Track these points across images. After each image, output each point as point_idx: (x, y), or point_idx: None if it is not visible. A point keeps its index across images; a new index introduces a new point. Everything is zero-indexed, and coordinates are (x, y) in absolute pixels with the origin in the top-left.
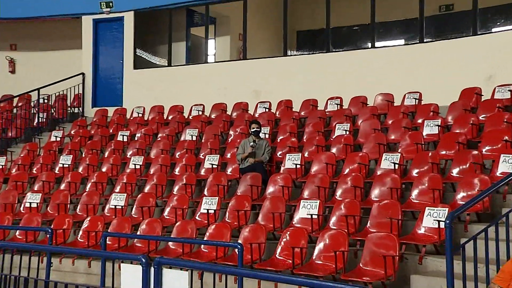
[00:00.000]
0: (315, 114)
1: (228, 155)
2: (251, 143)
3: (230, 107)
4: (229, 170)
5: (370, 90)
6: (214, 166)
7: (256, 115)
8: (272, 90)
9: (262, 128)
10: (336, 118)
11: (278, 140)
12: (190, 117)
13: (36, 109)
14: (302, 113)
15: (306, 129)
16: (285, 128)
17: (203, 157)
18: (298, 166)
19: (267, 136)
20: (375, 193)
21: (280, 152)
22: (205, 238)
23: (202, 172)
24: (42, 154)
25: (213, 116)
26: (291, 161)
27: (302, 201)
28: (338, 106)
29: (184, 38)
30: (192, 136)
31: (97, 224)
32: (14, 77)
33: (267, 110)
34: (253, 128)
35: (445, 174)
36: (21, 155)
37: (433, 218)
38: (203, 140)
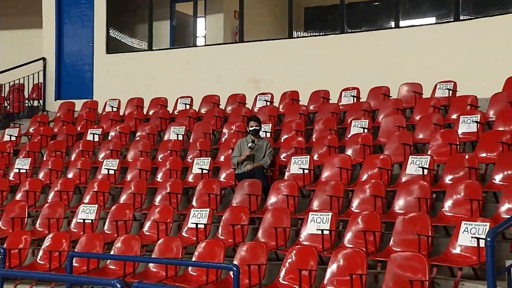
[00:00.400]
0: (327, 109)
1: (222, 158)
2: (249, 144)
3: (224, 100)
4: (222, 176)
5: (393, 79)
6: (204, 171)
7: (255, 110)
8: (274, 79)
9: (262, 125)
10: (352, 113)
11: (282, 140)
12: (176, 112)
13: None
14: (311, 107)
15: (315, 126)
16: (290, 125)
17: (191, 161)
18: (306, 171)
19: (268, 135)
20: (399, 204)
21: (284, 155)
22: (193, 259)
23: (190, 178)
24: None
25: (203, 110)
26: (298, 165)
27: (310, 213)
28: (355, 98)
29: (167, 16)
30: (177, 135)
31: (62, 242)
32: None
33: (268, 103)
34: (252, 126)
35: (486, 182)
36: None
37: (471, 235)
38: (191, 140)
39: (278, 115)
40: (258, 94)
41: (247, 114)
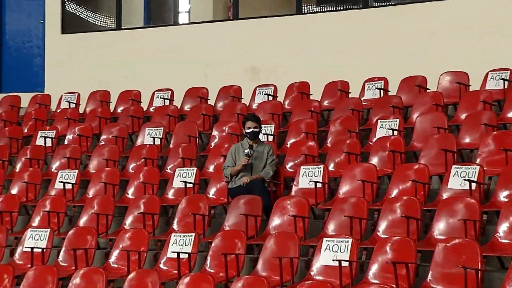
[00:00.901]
0: (345, 105)
1: (211, 169)
2: (246, 150)
3: (214, 94)
4: (211, 192)
5: (431, 66)
6: (188, 185)
7: (254, 107)
8: (278, 67)
9: (262, 126)
10: (378, 110)
11: (288, 145)
12: (151, 109)
13: None
14: (325, 103)
15: (331, 127)
16: (298, 126)
17: (171, 172)
18: (319, 185)
19: (270, 139)
20: (439, 227)
21: (291, 164)
22: None
23: (170, 194)
24: None
25: (187, 107)
26: (308, 177)
27: (325, 239)
28: (381, 91)
29: None
30: (154, 138)
31: (3, 278)
32: None
33: (270, 98)
34: (249, 127)
35: None
36: None
37: None
38: (171, 145)
39: (283, 113)
40: (258, 87)
41: (243, 112)
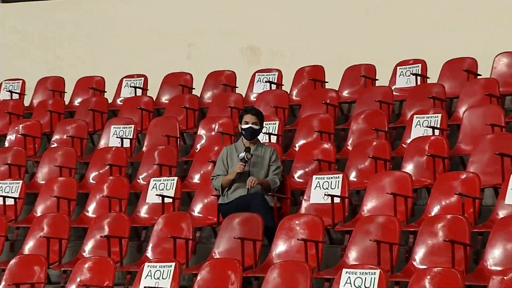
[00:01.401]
0: (371, 95)
1: (196, 179)
2: (242, 154)
3: (200, 81)
4: (197, 209)
5: (482, 46)
6: (167, 200)
7: (252, 98)
8: (283, 46)
9: (264, 123)
10: (414, 102)
11: (297, 148)
12: (119, 101)
13: None
14: (345, 93)
15: (352, 125)
16: (310, 123)
17: (144, 183)
18: (337, 199)
19: (273, 140)
20: (494, 255)
21: (300, 172)
22: None
23: (143, 212)
24: None
25: (164, 99)
26: (323, 189)
27: (345, 271)
28: (418, 78)
29: None
30: (122, 139)
31: None
32: None
33: (273, 87)
34: (247, 123)
35: None
36: None
37: None
38: (144, 148)
39: (290, 106)
40: (257, 72)
41: (239, 105)
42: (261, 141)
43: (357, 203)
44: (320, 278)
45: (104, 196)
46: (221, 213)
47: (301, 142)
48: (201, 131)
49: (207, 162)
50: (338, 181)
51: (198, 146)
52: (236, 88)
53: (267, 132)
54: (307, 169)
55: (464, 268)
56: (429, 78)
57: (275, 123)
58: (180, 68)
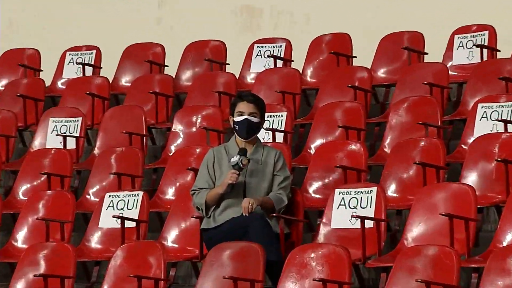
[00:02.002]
0: (417, 75)
1: (169, 194)
2: (235, 158)
3: (176, 55)
4: (171, 237)
5: None
6: (128, 223)
7: (249, 80)
8: (293, 6)
9: (266, 116)
10: (478, 85)
11: (312, 151)
12: (60, 84)
13: None
14: (380, 73)
15: (391, 117)
16: (331, 115)
17: (96, 200)
18: (370, 223)
19: (279, 139)
20: None
21: (317, 185)
22: None
23: (95, 242)
24: None
25: (124, 81)
26: (349, 209)
27: None
28: (484, 51)
29: None
30: (65, 137)
31: None
32: None
33: (279, 63)
34: (242, 113)
35: None
36: None
37: None
38: (96, 151)
39: (303, 91)
40: (256, 43)
41: (230, 89)
42: (262, 141)
43: (398, 228)
44: None
45: (39, 218)
46: (206, 242)
47: (319, 141)
48: (177, 126)
49: (185, 170)
50: (371, 197)
51: (173, 148)
52: (227, 66)
53: (270, 127)
54: (327, 180)
55: None
56: (499, 51)
57: (282, 115)
58: (146, 37)
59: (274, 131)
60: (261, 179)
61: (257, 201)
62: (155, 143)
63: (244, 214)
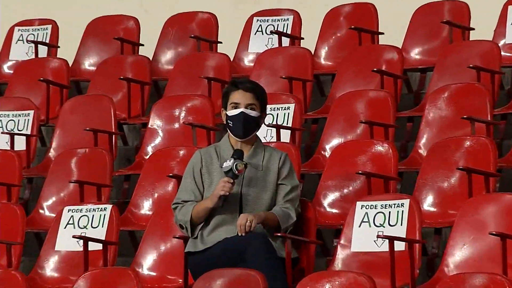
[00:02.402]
0: (461, 57)
1: (145, 208)
2: (228, 163)
3: (153, 31)
4: (147, 263)
5: None
6: (93, 246)
7: (246, 63)
8: None
9: (268, 108)
10: None
11: (327, 153)
12: (6, 68)
13: None
14: (413, 53)
15: (427, 110)
16: (351, 107)
17: (52, 215)
18: (401, 245)
19: (284, 138)
20: None
21: (333, 197)
22: None
23: (50, 268)
24: None
25: (88, 63)
26: (374, 226)
27: None
28: None
29: None
30: (12, 136)
31: None
32: None
33: (285, 42)
34: (236, 105)
35: None
36: None
37: None
38: (52, 153)
39: (316, 77)
40: (255, 15)
41: (222, 73)
42: (263, 140)
43: (437, 251)
44: None
45: None
46: (192, 269)
47: (335, 141)
48: (155, 122)
49: (165, 177)
50: (402, 211)
51: (150, 149)
52: (218, 45)
53: (274, 123)
54: (346, 191)
55: None
56: None
57: (289, 108)
58: (116, 8)
59: (278, 127)
60: (262, 190)
61: (258, 218)
62: (127, 143)
63: (239, 234)
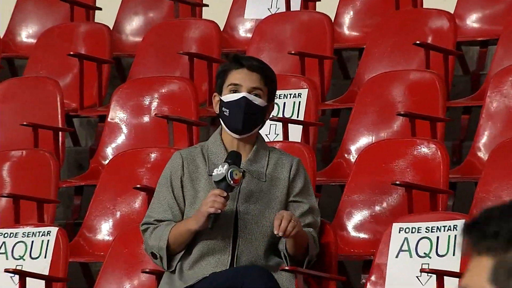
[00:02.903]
0: None
1: (101, 232)
2: (221, 170)
3: None
4: None
5: None
6: (32, 284)
7: (242, 32)
8: None
9: (276, 94)
10: None
11: (352, 156)
12: None
13: None
14: (470, 21)
15: (489, 101)
16: (384, 93)
17: None
18: (453, 284)
19: (294, 137)
20: None
21: (362, 216)
22: None
23: None
24: None
25: (25, 35)
26: (417, 257)
27: None
28: None
29: None
30: None
31: None
32: None
33: (294, 5)
34: (236, 88)
35: None
36: None
37: None
38: None
39: (336, 52)
40: None
41: (209, 48)
42: (265, 139)
43: None
44: None
45: None
46: None
47: (364, 140)
48: (117, 114)
49: (130, 189)
50: (455, 237)
51: (109, 151)
52: (204, 9)
53: (279, 117)
54: (377, 208)
55: None
56: None
57: (300, 95)
58: None
59: (285, 122)
60: (265, 207)
61: (299, 225)
62: (78, 143)
63: (277, 234)
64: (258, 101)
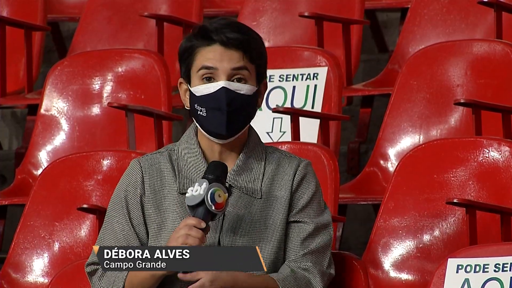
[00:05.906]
0: None
1: (33, 272)
2: (198, 189)
3: None
4: None
5: None
6: None
7: None
8: None
9: (273, 77)
10: None
11: (390, 163)
12: None
13: None
14: None
15: None
16: (435, 75)
17: None
18: None
19: (308, 136)
20: None
21: (406, 247)
22: None
23: None
24: None
25: None
26: None
27: None
28: None
29: None
30: None
31: None
32: None
33: None
34: (210, 77)
35: None
36: None
37: None
38: None
39: (367, 15)
40: None
41: (183, 11)
42: (266, 139)
43: None
44: None
45: None
46: None
47: (407, 140)
48: (55, 103)
49: (73, 211)
50: None
51: (43, 156)
52: None
53: (287, 107)
54: (426, 237)
55: None
56: None
57: (316, 76)
58: None
59: (296, 114)
60: (261, 236)
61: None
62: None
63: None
64: (244, 88)
